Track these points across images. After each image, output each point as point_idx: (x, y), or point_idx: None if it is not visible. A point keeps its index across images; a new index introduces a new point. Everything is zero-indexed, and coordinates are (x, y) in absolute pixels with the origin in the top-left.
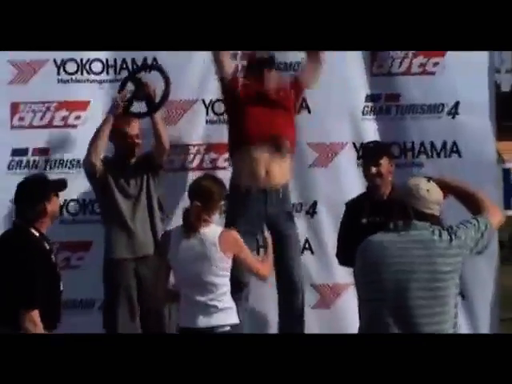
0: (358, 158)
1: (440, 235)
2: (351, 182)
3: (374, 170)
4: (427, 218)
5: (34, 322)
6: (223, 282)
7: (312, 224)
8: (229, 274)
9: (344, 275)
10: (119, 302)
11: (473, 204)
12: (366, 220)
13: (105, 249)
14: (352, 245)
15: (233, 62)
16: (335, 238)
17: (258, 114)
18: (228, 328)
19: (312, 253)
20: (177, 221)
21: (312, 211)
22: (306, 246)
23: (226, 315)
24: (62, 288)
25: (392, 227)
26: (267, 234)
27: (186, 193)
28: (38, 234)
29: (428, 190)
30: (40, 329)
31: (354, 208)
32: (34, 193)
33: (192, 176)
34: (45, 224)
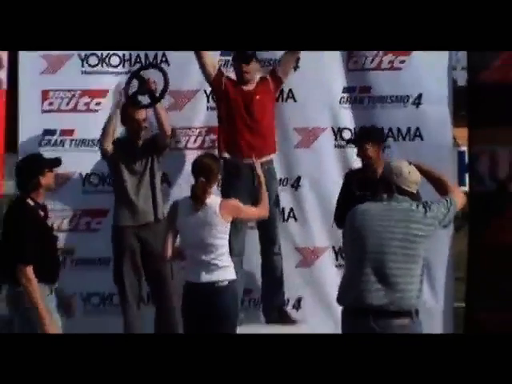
0: (336, 140)
1: (417, 207)
2: (330, 161)
3: (361, 152)
4: (407, 194)
5: (28, 276)
6: (222, 244)
7: (296, 196)
8: (227, 236)
9: (323, 240)
10: (124, 262)
11: (441, 186)
12: (358, 192)
13: (113, 217)
14: (343, 211)
15: (214, 58)
16: (316, 207)
17: (242, 116)
18: (226, 283)
19: (296, 220)
20: (181, 191)
21: (296, 185)
22: (291, 214)
23: (225, 272)
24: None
25: (377, 199)
26: (260, 171)
27: (190, 168)
28: (32, 203)
29: (409, 172)
30: (34, 283)
31: (349, 179)
32: (30, 169)
33: (195, 154)
34: (40, 195)
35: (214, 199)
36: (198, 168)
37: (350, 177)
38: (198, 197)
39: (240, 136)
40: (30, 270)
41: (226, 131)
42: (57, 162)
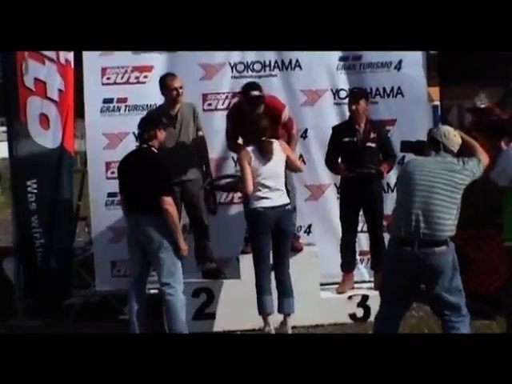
0: (334, 99)
1: (458, 161)
2: (330, 115)
3: (353, 106)
4: (450, 152)
5: (172, 203)
6: (283, 172)
7: (304, 144)
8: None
9: (326, 178)
10: None
11: (472, 148)
12: (345, 139)
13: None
14: (335, 155)
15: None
16: (320, 152)
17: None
18: (289, 206)
19: (304, 163)
20: (213, 144)
21: (304, 135)
22: (301, 159)
23: (286, 196)
24: None
25: (427, 154)
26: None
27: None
28: (156, 151)
29: (454, 135)
30: (175, 209)
31: (337, 130)
32: (150, 122)
33: (223, 114)
34: (155, 147)
35: (274, 142)
36: (257, 131)
37: (336, 129)
38: (267, 151)
39: None
40: (171, 199)
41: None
42: (168, 124)
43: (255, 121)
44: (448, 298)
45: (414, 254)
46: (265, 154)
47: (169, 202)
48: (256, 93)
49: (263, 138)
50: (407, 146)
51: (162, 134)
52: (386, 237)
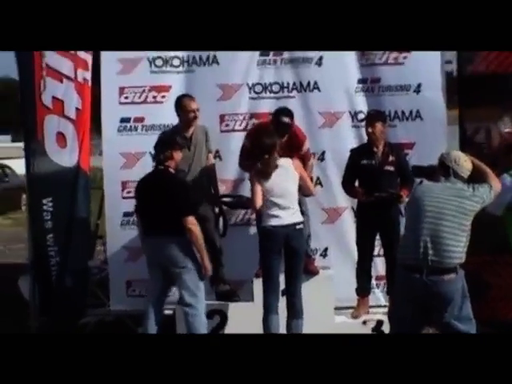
0: (352, 121)
1: (468, 187)
2: (348, 138)
3: (370, 129)
4: (460, 178)
5: (195, 223)
6: (295, 191)
7: (321, 166)
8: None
9: (343, 201)
10: None
11: (484, 174)
12: (365, 161)
13: None
14: (352, 178)
15: None
16: (337, 175)
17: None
18: (302, 224)
19: (322, 186)
20: (229, 165)
21: (322, 158)
22: (318, 181)
23: (299, 215)
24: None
25: (436, 179)
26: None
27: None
28: (173, 171)
29: (465, 161)
30: (198, 228)
31: (355, 153)
32: (166, 143)
33: (241, 135)
34: (171, 168)
35: (283, 160)
36: (260, 149)
37: (355, 151)
38: (268, 173)
39: None
40: (194, 219)
41: None
42: (184, 145)
43: (260, 137)
44: (458, 327)
45: (423, 281)
46: (268, 170)
47: (192, 222)
48: (287, 120)
49: (266, 156)
50: (418, 171)
51: (178, 155)
52: None
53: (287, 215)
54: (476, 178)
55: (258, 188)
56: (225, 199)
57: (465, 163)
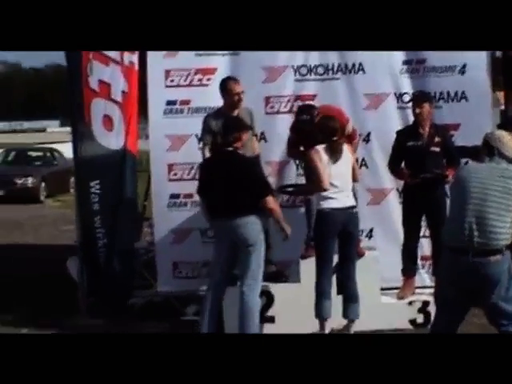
0: (398, 102)
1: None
2: (393, 119)
3: (418, 110)
4: (504, 157)
5: (275, 202)
6: (350, 174)
7: (367, 148)
8: None
9: (389, 182)
10: None
11: None
12: (411, 143)
13: None
14: (398, 160)
15: None
16: (382, 156)
17: None
18: (356, 209)
19: (367, 167)
20: (273, 146)
21: (367, 139)
22: (363, 163)
23: (353, 198)
24: None
25: (481, 159)
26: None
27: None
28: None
29: (510, 140)
30: (278, 206)
31: (401, 134)
32: (236, 126)
33: (285, 116)
34: (239, 149)
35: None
36: (326, 133)
37: (401, 133)
38: (338, 150)
39: None
40: (273, 198)
41: None
42: (250, 128)
43: (325, 122)
44: (504, 308)
45: (469, 263)
46: (335, 154)
47: (272, 201)
48: (304, 117)
49: (334, 138)
50: (462, 151)
51: (246, 137)
52: None
53: (344, 197)
54: None
55: (322, 168)
56: (286, 189)
57: (510, 142)
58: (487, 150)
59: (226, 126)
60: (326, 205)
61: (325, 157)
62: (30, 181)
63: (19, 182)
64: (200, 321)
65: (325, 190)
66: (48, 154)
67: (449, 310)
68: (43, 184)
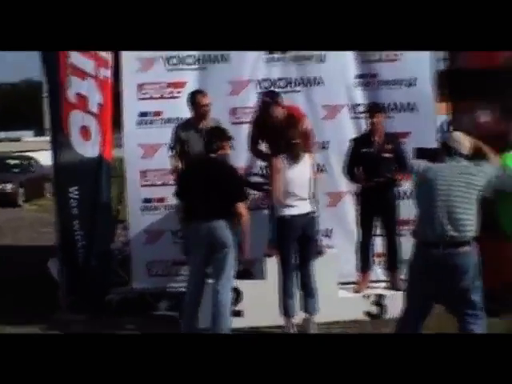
0: (352, 113)
1: (473, 164)
2: (347, 128)
3: (371, 120)
4: (462, 156)
5: (246, 207)
6: (309, 182)
7: (324, 154)
8: None
9: (344, 186)
10: None
11: (484, 151)
12: (365, 150)
13: None
14: (353, 166)
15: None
16: (339, 162)
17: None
18: (314, 214)
19: (325, 172)
20: (240, 155)
21: (325, 147)
22: (322, 168)
23: (313, 204)
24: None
25: (440, 160)
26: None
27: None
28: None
29: (465, 139)
30: (248, 214)
31: (356, 142)
32: (219, 134)
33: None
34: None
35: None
36: (287, 137)
37: (355, 140)
38: (298, 155)
39: None
40: (245, 205)
41: None
42: (231, 137)
43: (285, 130)
44: (470, 297)
45: (440, 254)
46: (295, 159)
47: (244, 207)
48: (268, 99)
49: (293, 141)
50: (422, 153)
51: (228, 146)
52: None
53: (303, 205)
54: (477, 156)
55: (279, 181)
56: (255, 178)
57: (465, 141)
58: (447, 150)
59: (211, 135)
60: (287, 212)
61: (285, 165)
62: (8, 187)
63: None
64: (181, 320)
65: (277, 202)
66: (25, 162)
67: (421, 303)
68: (21, 189)
